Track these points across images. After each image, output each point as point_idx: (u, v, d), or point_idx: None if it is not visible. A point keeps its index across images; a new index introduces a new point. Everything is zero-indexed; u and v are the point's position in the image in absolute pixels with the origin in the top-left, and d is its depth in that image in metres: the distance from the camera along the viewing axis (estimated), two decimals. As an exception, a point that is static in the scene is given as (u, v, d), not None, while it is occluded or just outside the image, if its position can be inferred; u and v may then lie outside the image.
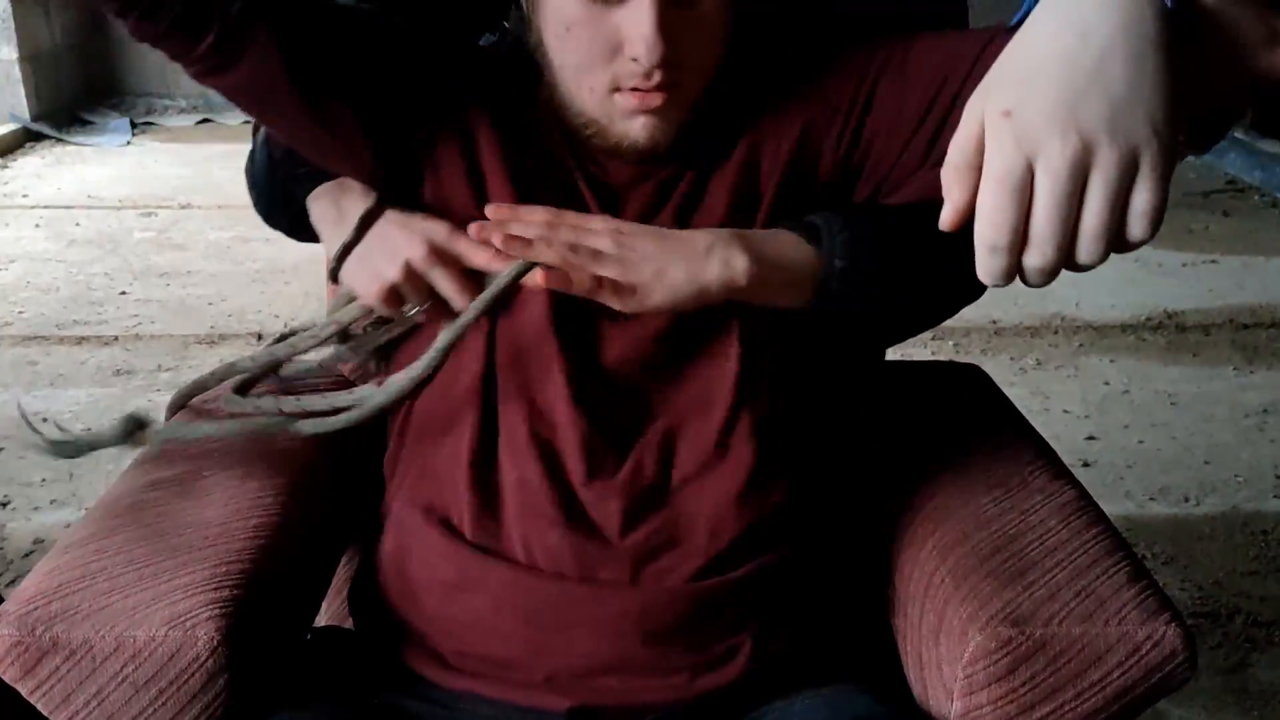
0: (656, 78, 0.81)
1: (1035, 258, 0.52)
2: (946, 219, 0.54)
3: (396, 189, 0.90)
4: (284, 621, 0.89)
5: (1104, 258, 0.52)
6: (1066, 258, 0.52)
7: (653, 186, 0.89)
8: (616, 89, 0.83)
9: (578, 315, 0.87)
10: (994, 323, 2.89)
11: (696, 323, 0.87)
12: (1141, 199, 0.51)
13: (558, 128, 0.90)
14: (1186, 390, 2.57)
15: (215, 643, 0.77)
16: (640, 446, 0.87)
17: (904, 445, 1.03)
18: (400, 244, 0.87)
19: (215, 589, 0.80)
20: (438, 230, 0.87)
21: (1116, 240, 0.52)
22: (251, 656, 0.80)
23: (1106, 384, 2.61)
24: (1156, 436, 2.34)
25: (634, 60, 0.80)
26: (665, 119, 0.84)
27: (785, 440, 0.89)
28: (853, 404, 0.97)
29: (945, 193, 0.54)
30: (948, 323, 1.03)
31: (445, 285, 0.88)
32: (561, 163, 0.90)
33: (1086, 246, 0.52)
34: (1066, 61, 0.52)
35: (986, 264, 0.53)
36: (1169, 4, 0.53)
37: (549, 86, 0.88)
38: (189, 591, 0.79)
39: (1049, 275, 0.53)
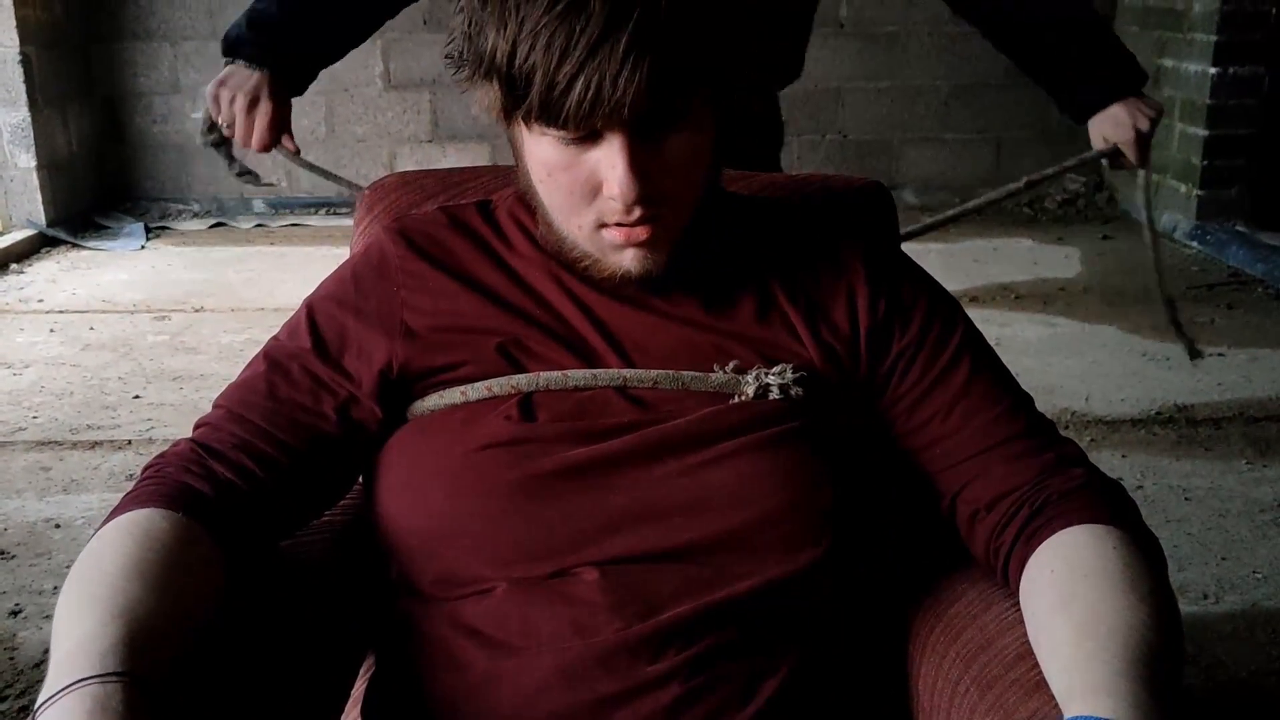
0: (637, 213, 0.84)
1: None
2: None
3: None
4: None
5: None
6: None
7: (649, 314, 0.93)
8: (602, 225, 0.86)
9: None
10: (1004, 418, 2.88)
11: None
12: None
13: (556, 259, 0.94)
14: (1200, 485, 2.56)
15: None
16: (672, 576, 0.86)
17: (920, 549, 1.02)
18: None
19: (237, 705, 0.79)
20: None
21: None
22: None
23: (1119, 479, 2.59)
24: (1172, 533, 2.32)
25: (612, 199, 0.83)
26: (654, 249, 0.88)
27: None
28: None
29: None
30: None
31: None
32: (560, 290, 0.93)
33: None
34: None
35: None
36: None
37: (543, 224, 0.92)
38: (210, 708, 0.78)
39: None
